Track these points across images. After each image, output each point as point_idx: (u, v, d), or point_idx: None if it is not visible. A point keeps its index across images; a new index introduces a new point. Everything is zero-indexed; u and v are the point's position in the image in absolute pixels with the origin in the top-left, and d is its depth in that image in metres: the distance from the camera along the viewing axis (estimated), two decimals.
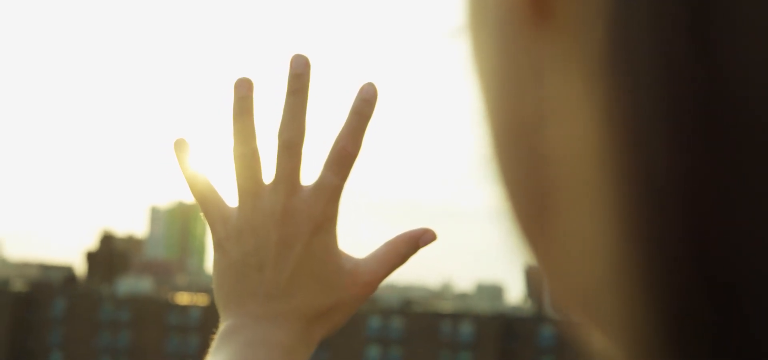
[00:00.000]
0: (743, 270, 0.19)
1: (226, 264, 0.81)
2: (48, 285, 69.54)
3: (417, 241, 0.83)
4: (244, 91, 0.79)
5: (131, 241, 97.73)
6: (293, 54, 0.79)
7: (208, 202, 0.82)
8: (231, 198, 0.82)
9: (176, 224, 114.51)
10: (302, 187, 0.80)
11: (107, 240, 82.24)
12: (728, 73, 0.19)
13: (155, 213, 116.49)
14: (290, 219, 0.79)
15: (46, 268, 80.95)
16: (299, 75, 0.78)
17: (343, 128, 0.79)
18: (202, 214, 0.83)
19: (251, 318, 0.80)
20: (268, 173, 0.80)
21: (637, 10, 0.20)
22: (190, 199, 0.83)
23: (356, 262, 0.82)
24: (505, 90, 0.24)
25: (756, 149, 0.19)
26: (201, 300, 66.79)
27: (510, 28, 0.23)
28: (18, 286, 67.57)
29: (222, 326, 0.81)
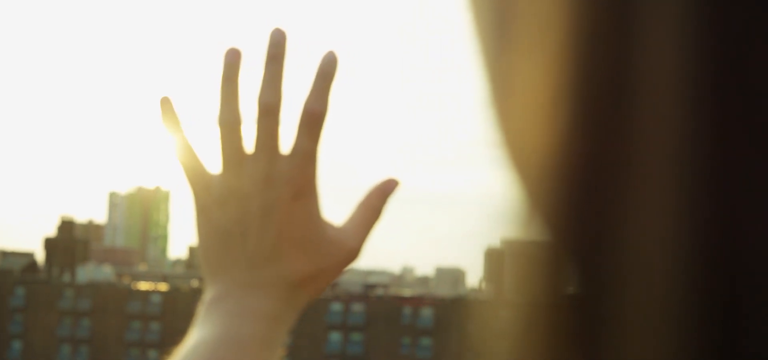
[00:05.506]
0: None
1: (210, 230, 0.82)
2: (8, 273, 69.21)
3: (385, 192, 0.86)
4: (232, 58, 0.81)
5: (91, 227, 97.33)
6: (272, 28, 0.82)
7: (190, 166, 0.83)
8: (213, 165, 0.83)
9: (136, 210, 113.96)
10: (282, 154, 0.81)
11: (67, 226, 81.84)
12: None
13: (114, 198, 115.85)
14: (271, 185, 0.80)
15: (5, 255, 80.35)
16: (276, 43, 0.81)
17: (309, 92, 0.81)
18: (184, 178, 0.83)
19: (237, 286, 0.81)
20: (250, 143, 0.81)
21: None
22: (175, 165, 0.83)
23: (338, 229, 0.84)
24: None
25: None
26: (161, 287, 66.88)
27: None
28: None
29: (208, 295, 0.82)
